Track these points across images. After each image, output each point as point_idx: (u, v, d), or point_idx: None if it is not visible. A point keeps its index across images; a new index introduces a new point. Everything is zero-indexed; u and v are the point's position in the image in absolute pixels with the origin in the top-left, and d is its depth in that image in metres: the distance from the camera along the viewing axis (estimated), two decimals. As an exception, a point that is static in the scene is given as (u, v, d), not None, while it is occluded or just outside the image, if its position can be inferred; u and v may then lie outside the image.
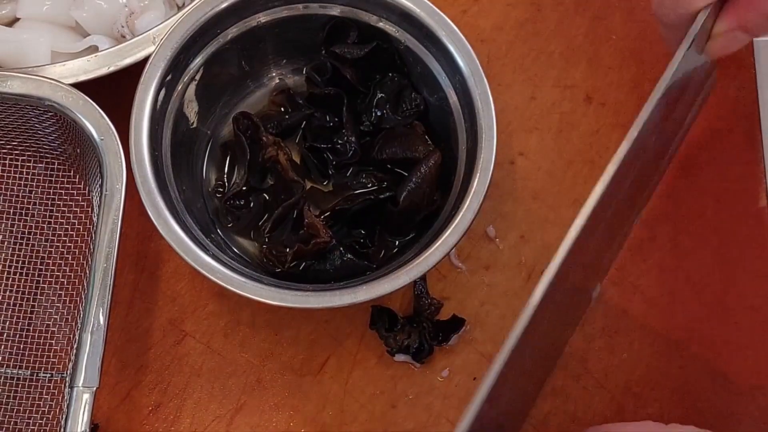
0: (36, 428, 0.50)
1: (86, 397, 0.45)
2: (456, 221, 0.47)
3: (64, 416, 0.45)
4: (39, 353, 0.52)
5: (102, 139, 0.49)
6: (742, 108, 0.62)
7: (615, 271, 0.58)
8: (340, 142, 0.54)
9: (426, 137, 0.54)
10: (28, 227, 0.54)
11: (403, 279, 0.45)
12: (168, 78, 0.49)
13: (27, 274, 0.54)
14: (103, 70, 0.51)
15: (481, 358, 0.55)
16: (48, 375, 0.51)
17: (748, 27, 0.46)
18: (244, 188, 0.54)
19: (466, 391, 0.55)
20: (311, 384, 0.54)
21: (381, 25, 0.53)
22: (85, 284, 0.48)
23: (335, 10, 0.53)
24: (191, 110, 0.53)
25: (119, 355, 0.54)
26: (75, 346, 0.47)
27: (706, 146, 0.61)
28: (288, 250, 0.50)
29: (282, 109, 0.56)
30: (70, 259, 0.54)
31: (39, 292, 0.53)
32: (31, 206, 0.54)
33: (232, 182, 0.55)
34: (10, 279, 0.53)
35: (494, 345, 0.56)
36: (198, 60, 0.52)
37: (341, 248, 0.51)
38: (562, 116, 0.61)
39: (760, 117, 0.61)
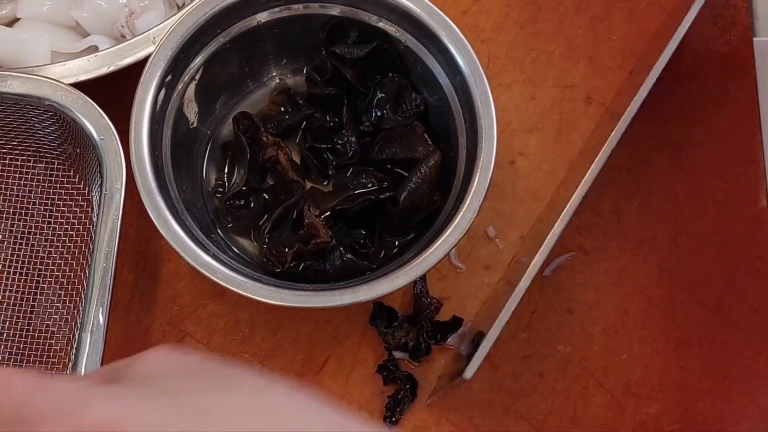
0: (36, 428, 0.50)
1: (86, 397, 0.45)
2: (456, 221, 0.46)
3: (64, 416, 0.45)
4: (39, 353, 0.52)
5: (102, 139, 0.49)
6: (742, 108, 0.62)
7: (615, 271, 0.58)
8: (340, 142, 0.54)
9: (426, 137, 0.54)
10: (28, 227, 0.54)
11: (403, 279, 0.45)
12: (168, 78, 0.49)
13: (27, 274, 0.54)
14: (103, 70, 0.51)
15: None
16: (48, 375, 0.51)
17: None
18: (244, 188, 0.54)
19: (466, 390, 0.55)
20: (311, 384, 0.54)
21: (381, 25, 0.53)
22: (85, 284, 0.48)
23: (335, 10, 0.53)
24: (191, 110, 0.53)
25: (119, 355, 0.54)
26: (75, 346, 0.47)
27: (705, 146, 0.61)
28: (288, 250, 0.50)
29: (282, 109, 0.56)
30: (70, 259, 0.54)
31: (39, 292, 0.53)
32: (31, 206, 0.54)
33: (232, 182, 0.55)
34: (10, 279, 0.53)
35: (494, 345, 0.55)
36: (198, 60, 0.52)
37: (341, 248, 0.51)
38: (562, 116, 0.61)
39: (760, 117, 0.61)
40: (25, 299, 0.53)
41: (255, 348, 0.55)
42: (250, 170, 0.53)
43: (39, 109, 0.50)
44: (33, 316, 0.53)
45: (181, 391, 0.26)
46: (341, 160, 0.54)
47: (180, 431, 0.24)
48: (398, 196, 0.50)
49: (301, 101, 0.56)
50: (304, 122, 0.56)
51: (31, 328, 0.52)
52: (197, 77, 0.52)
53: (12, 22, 0.58)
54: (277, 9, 0.53)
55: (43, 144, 0.54)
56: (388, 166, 0.53)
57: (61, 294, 0.53)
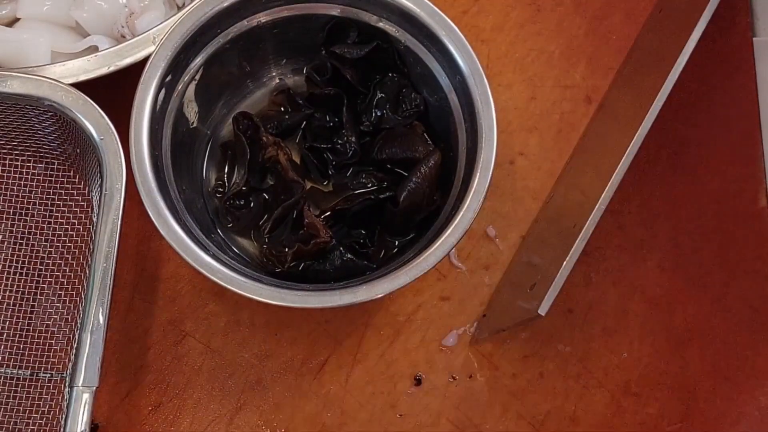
0: (36, 428, 0.50)
1: (86, 397, 0.45)
2: (456, 221, 0.46)
3: (63, 416, 0.45)
4: (39, 353, 0.52)
5: (102, 139, 0.49)
6: (742, 108, 0.62)
7: (615, 271, 0.58)
8: (340, 142, 0.54)
9: (426, 137, 0.54)
10: (28, 227, 0.54)
11: (403, 279, 0.45)
12: (168, 78, 0.49)
13: (27, 274, 0.54)
14: (103, 70, 0.51)
15: (481, 358, 0.55)
16: (48, 375, 0.51)
17: None
18: (244, 188, 0.54)
19: (466, 390, 0.55)
20: (311, 384, 0.54)
21: (381, 25, 0.53)
22: (85, 284, 0.48)
23: (335, 10, 0.53)
24: (191, 110, 0.53)
25: (119, 355, 0.54)
26: (75, 346, 0.47)
27: (705, 146, 0.61)
28: (287, 250, 0.50)
29: (282, 109, 0.56)
30: (70, 259, 0.54)
31: (39, 292, 0.53)
32: (31, 206, 0.54)
33: (232, 182, 0.55)
34: (10, 279, 0.53)
35: (494, 345, 0.56)
36: (198, 60, 0.52)
37: (341, 248, 0.51)
38: (562, 116, 0.61)
39: (760, 117, 0.61)
40: (25, 299, 0.53)
41: (255, 348, 0.55)
42: (250, 170, 0.53)
43: (39, 109, 0.50)
44: (33, 316, 0.53)
45: None
46: (341, 160, 0.54)
47: None
48: (398, 196, 0.50)
49: (301, 101, 0.56)
50: (304, 122, 0.56)
51: (31, 328, 0.52)
52: (197, 77, 0.52)
53: (12, 22, 0.58)
54: (277, 9, 0.53)
55: (43, 144, 0.54)
56: (388, 166, 0.53)
57: (61, 294, 0.53)
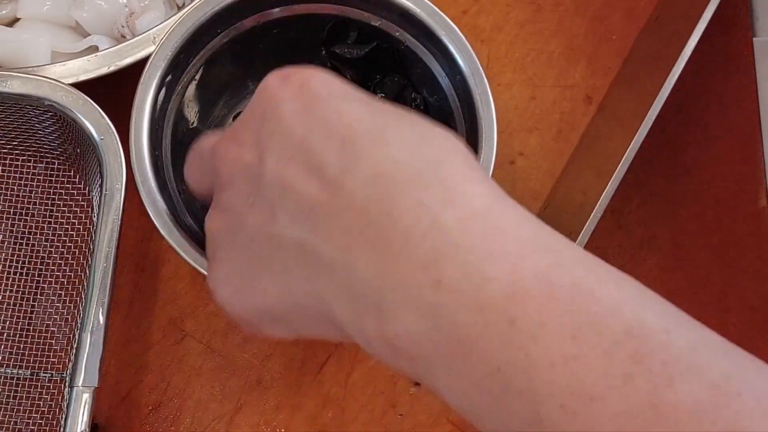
0: (36, 428, 0.50)
1: (86, 396, 0.45)
2: (456, 221, 0.46)
3: (63, 416, 0.45)
4: (39, 353, 0.52)
5: (102, 139, 0.49)
6: (742, 108, 0.62)
7: (615, 271, 0.58)
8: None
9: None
10: (28, 227, 0.54)
11: (403, 279, 0.45)
12: (168, 78, 0.49)
13: (27, 274, 0.54)
14: (103, 70, 0.51)
15: (481, 358, 0.55)
16: (48, 375, 0.51)
17: None
18: (244, 188, 0.54)
19: (466, 391, 0.55)
20: (311, 384, 0.54)
21: (381, 25, 0.53)
22: (85, 284, 0.48)
23: (335, 10, 0.53)
24: (191, 110, 0.53)
25: (119, 355, 0.54)
26: (75, 346, 0.47)
27: (705, 146, 0.61)
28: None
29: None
30: (70, 259, 0.54)
31: (39, 292, 0.53)
32: (31, 206, 0.54)
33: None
34: (10, 279, 0.53)
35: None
36: (198, 60, 0.52)
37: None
38: (562, 116, 0.61)
39: (760, 117, 0.61)
40: (25, 299, 0.53)
41: (255, 348, 0.55)
42: (250, 170, 0.53)
43: (39, 109, 0.50)
44: (33, 316, 0.53)
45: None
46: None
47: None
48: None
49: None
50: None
51: (31, 328, 0.52)
52: (197, 77, 0.52)
53: (12, 22, 0.58)
54: (277, 9, 0.53)
55: (43, 144, 0.54)
56: None
57: (61, 294, 0.53)
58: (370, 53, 0.53)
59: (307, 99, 0.32)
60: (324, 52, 0.54)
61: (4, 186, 0.54)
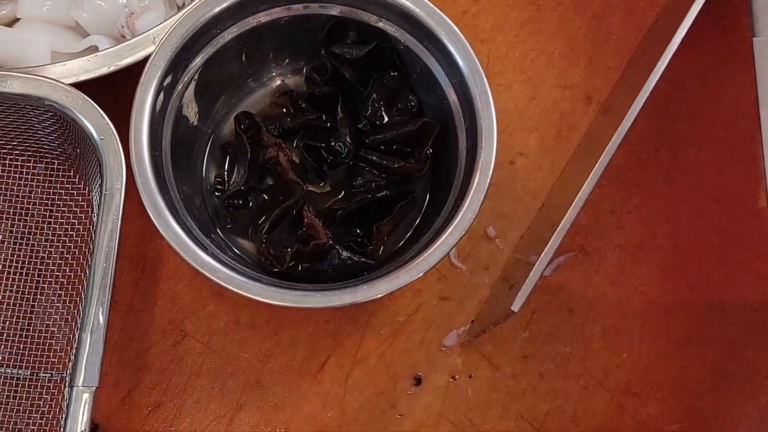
0: (36, 428, 0.50)
1: (86, 396, 0.45)
2: (456, 221, 0.46)
3: (63, 416, 0.45)
4: (39, 353, 0.52)
5: (102, 139, 0.49)
6: (742, 108, 0.62)
7: (615, 271, 0.58)
8: (334, 139, 0.54)
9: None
10: (28, 227, 0.54)
11: (403, 279, 0.45)
12: (168, 78, 0.49)
13: (27, 274, 0.54)
14: (103, 70, 0.51)
15: (481, 358, 0.55)
16: (48, 375, 0.51)
17: None
18: (242, 188, 0.54)
19: (466, 390, 0.55)
20: (311, 384, 0.54)
21: (381, 25, 0.53)
22: (85, 284, 0.48)
23: (335, 10, 0.53)
24: (191, 110, 0.53)
25: (119, 355, 0.54)
26: (75, 346, 0.47)
27: (705, 146, 0.61)
28: (289, 250, 0.50)
29: (284, 110, 0.56)
30: (70, 259, 0.54)
31: (39, 292, 0.53)
32: (31, 206, 0.54)
33: (232, 181, 0.55)
34: (10, 279, 0.53)
35: (494, 345, 0.56)
36: (198, 60, 0.52)
37: (338, 247, 0.51)
38: (562, 116, 0.61)
39: (760, 117, 0.61)
40: (25, 299, 0.53)
41: (255, 348, 0.55)
42: (250, 170, 0.53)
43: (39, 109, 0.50)
44: (33, 316, 0.53)
45: None
46: (336, 158, 0.54)
47: None
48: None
49: (303, 105, 0.56)
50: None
51: (31, 328, 0.53)
52: (197, 77, 0.52)
53: (12, 22, 0.58)
54: (277, 9, 0.53)
55: (43, 144, 0.54)
56: (382, 147, 0.53)
57: (61, 294, 0.53)
58: (370, 53, 0.53)
59: None
60: (324, 51, 0.54)
61: (4, 186, 0.54)
